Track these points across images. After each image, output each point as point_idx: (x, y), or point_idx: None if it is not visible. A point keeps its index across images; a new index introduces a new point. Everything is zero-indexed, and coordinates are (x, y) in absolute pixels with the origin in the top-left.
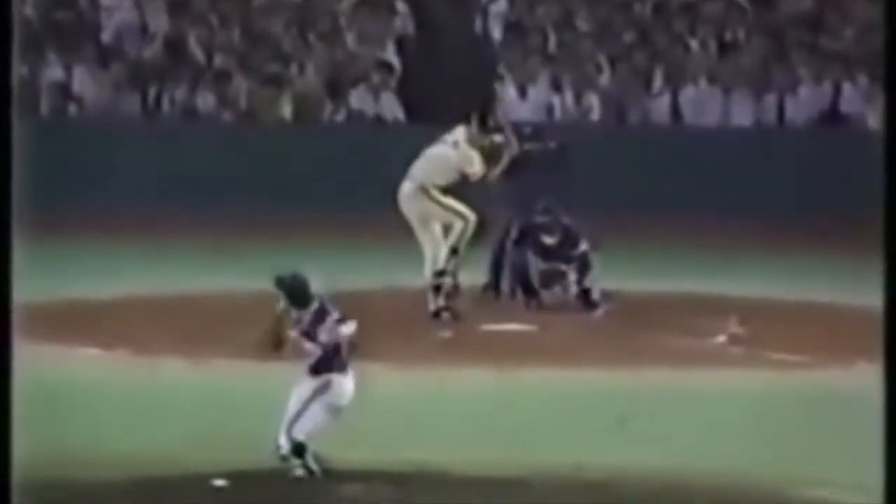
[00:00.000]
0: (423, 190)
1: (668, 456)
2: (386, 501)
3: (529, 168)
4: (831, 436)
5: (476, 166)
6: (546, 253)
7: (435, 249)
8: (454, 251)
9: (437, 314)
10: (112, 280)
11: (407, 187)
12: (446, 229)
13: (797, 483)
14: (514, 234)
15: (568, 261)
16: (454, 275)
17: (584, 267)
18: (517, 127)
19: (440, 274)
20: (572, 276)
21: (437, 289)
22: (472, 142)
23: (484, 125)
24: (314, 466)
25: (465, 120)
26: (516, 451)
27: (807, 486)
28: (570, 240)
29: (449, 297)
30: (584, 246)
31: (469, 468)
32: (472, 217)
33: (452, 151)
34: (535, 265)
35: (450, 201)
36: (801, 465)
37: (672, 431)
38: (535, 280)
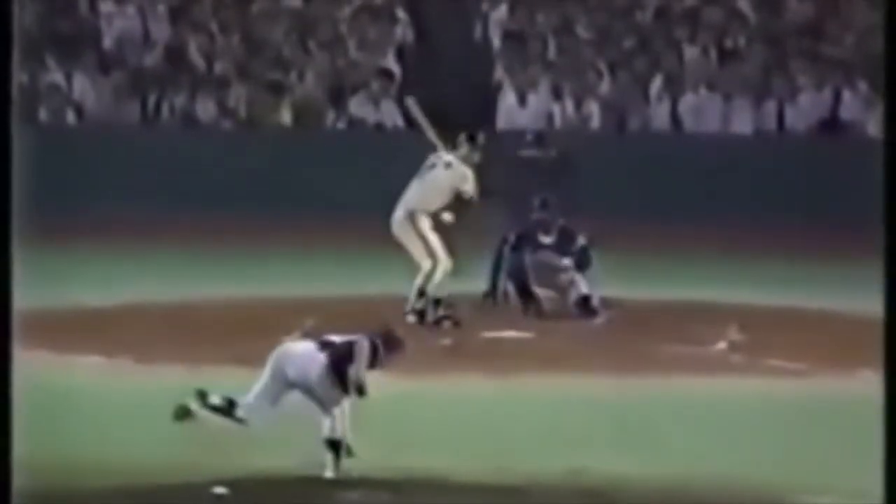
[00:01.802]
0: (411, 218)
1: (667, 463)
2: None
3: (530, 176)
4: (832, 443)
5: (470, 184)
6: (543, 251)
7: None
8: (421, 293)
9: (437, 322)
10: (112, 287)
11: (398, 214)
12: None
13: (797, 490)
14: (511, 239)
15: (565, 254)
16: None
17: (582, 262)
18: (518, 134)
19: (412, 311)
20: (568, 265)
21: (436, 302)
22: (464, 160)
23: (473, 142)
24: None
25: (463, 130)
26: (515, 457)
27: (807, 494)
28: (567, 237)
29: (447, 307)
30: (581, 241)
31: (468, 475)
32: (445, 261)
33: (445, 172)
34: (533, 266)
35: (432, 238)
36: (801, 473)
37: (672, 439)
38: (533, 282)
